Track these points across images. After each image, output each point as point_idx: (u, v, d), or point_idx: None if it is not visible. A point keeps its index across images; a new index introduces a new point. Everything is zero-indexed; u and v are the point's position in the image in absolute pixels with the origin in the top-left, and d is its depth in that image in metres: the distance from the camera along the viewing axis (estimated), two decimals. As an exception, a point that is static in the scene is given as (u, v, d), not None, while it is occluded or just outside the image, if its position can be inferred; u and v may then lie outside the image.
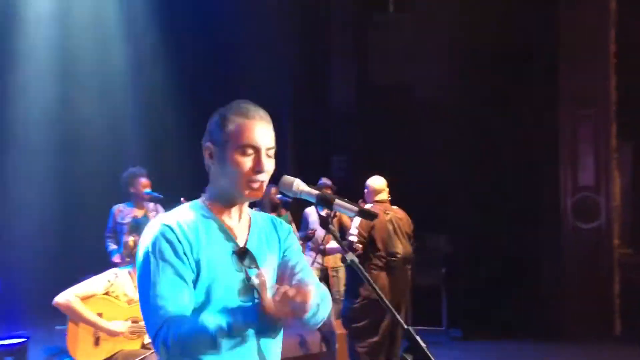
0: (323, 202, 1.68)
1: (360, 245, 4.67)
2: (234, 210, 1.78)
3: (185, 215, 1.71)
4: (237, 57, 8.05)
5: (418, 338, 1.60)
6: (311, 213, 6.89)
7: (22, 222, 7.43)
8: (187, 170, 6.40)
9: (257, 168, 1.68)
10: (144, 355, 3.56)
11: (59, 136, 7.74)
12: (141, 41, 8.04)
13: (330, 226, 1.76)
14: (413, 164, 8.00)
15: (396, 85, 8.27)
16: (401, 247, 4.96)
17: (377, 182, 5.03)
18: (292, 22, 8.09)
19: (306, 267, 1.88)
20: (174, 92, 8.06)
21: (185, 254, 1.63)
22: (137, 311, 3.71)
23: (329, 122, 8.13)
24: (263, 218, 1.89)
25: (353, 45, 8.39)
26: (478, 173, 7.87)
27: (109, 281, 3.71)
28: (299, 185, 1.73)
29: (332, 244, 5.53)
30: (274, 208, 6.87)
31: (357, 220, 4.71)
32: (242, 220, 1.80)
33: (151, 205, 5.44)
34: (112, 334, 3.60)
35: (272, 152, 1.73)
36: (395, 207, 5.11)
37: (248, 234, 1.79)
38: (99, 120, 7.84)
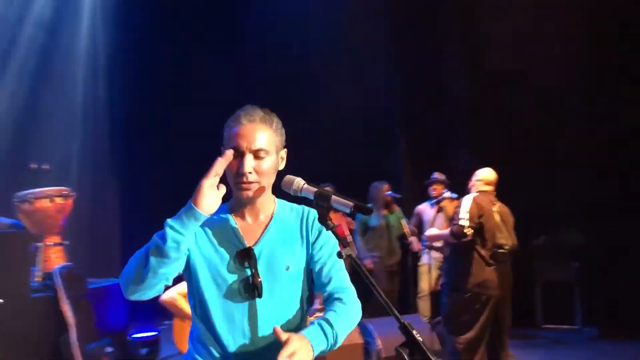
0: (321, 198, 1.72)
1: (472, 231, 4.54)
2: (248, 210, 1.87)
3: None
4: (343, 51, 8.07)
5: (415, 332, 1.57)
6: (424, 210, 6.80)
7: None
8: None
9: (240, 170, 1.76)
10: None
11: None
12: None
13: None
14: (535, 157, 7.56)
15: (510, 72, 7.82)
16: (509, 239, 4.81)
17: (487, 174, 4.94)
18: (398, 11, 7.97)
19: (334, 270, 1.90)
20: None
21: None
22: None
23: (443, 114, 7.89)
24: (292, 215, 1.93)
25: (464, 32, 8.05)
26: (608, 162, 7.17)
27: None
28: (299, 183, 1.78)
29: (432, 231, 5.41)
30: (386, 205, 6.91)
31: (467, 204, 4.61)
32: (259, 220, 1.88)
33: None
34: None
35: (263, 153, 1.79)
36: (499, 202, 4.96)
37: (262, 233, 1.87)
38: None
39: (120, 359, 4.83)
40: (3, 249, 4.56)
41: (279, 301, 1.82)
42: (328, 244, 1.91)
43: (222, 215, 1.87)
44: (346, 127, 7.72)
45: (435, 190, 6.64)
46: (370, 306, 3.58)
